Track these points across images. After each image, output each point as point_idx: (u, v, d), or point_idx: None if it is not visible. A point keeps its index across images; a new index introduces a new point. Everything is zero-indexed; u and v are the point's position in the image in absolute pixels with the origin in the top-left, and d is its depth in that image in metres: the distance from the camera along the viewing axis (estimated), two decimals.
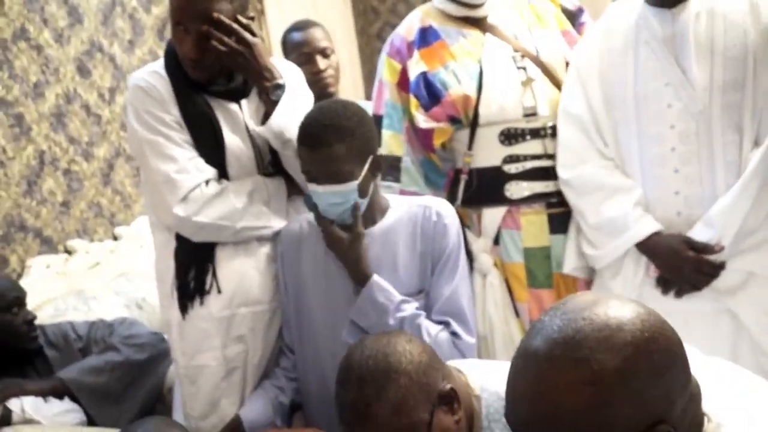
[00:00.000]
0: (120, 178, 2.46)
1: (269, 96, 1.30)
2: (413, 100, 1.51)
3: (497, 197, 1.51)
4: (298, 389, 1.37)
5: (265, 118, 1.31)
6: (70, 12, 2.29)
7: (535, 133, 1.50)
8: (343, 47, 3.78)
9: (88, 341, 1.71)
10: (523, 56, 1.52)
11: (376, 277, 1.24)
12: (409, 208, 1.30)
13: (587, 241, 1.46)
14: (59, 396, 1.55)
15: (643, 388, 0.59)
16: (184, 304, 1.33)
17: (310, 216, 1.34)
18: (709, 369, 0.75)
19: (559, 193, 1.51)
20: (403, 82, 1.54)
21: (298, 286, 1.33)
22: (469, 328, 1.27)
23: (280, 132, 1.30)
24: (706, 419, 0.66)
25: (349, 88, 3.58)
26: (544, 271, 1.52)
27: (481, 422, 0.97)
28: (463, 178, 1.53)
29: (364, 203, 1.25)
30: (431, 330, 1.23)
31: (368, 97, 1.89)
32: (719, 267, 1.34)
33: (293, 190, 1.42)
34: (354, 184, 1.21)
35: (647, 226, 1.38)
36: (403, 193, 1.52)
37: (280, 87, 1.30)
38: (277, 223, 1.37)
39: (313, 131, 1.19)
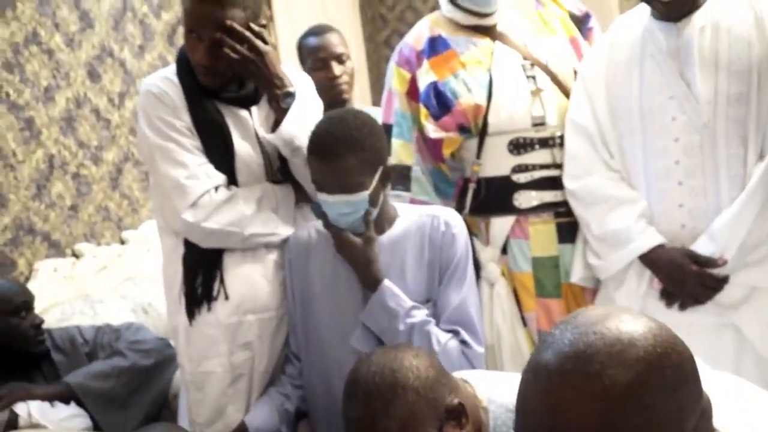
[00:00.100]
0: (128, 183, 2.47)
1: (279, 104, 1.30)
2: (423, 110, 1.51)
3: (506, 206, 1.51)
4: (304, 397, 1.37)
5: (275, 125, 1.31)
6: (81, 17, 2.30)
7: (544, 143, 1.50)
8: (351, 54, 3.77)
9: (95, 346, 1.71)
10: (532, 65, 1.52)
11: (387, 282, 1.24)
12: (417, 218, 1.30)
13: (592, 251, 1.47)
14: (66, 401, 1.56)
15: (654, 403, 0.58)
16: (192, 310, 1.33)
17: (319, 223, 1.34)
18: (715, 384, 0.75)
19: (567, 203, 1.51)
20: (412, 92, 1.55)
21: (305, 294, 1.33)
22: (477, 337, 1.27)
23: (290, 139, 1.30)
24: None
25: (356, 95, 3.59)
26: (552, 281, 1.51)
27: None
28: (472, 187, 1.53)
29: (374, 212, 1.25)
30: (441, 338, 1.23)
31: (375, 103, 1.90)
32: (722, 281, 1.34)
33: (301, 197, 1.42)
34: (365, 195, 1.21)
35: (650, 239, 1.38)
36: (413, 201, 1.52)
37: (291, 95, 1.30)
38: (285, 230, 1.37)
39: (323, 142, 1.19)
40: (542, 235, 1.51)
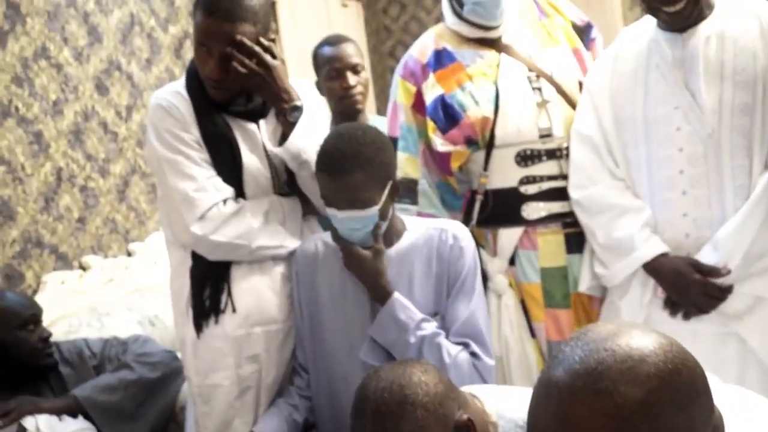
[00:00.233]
0: (135, 195, 2.48)
1: (287, 117, 1.31)
2: (430, 124, 1.51)
3: (514, 218, 1.51)
4: (312, 408, 1.36)
5: (282, 138, 1.32)
6: (89, 31, 2.33)
7: (551, 154, 1.51)
8: None
9: (102, 359, 1.71)
10: (538, 76, 1.52)
11: (397, 294, 1.24)
12: (425, 231, 1.30)
13: (598, 260, 1.47)
14: (73, 414, 1.55)
15: (666, 420, 0.58)
16: (199, 323, 1.33)
17: (326, 236, 1.35)
18: (727, 398, 0.74)
19: (575, 213, 1.51)
20: (418, 105, 1.55)
21: (313, 307, 1.33)
22: (487, 349, 1.27)
23: (297, 153, 1.31)
24: None
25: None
26: (561, 291, 1.51)
27: None
28: (479, 198, 1.53)
29: (384, 225, 1.25)
30: (451, 350, 1.23)
31: (379, 113, 1.91)
32: (726, 290, 1.34)
33: (307, 209, 1.42)
34: (374, 210, 1.21)
35: (654, 248, 1.38)
36: (420, 215, 1.52)
37: (298, 109, 1.31)
38: (292, 243, 1.37)
39: (333, 159, 1.20)
40: (551, 245, 1.51)
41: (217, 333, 1.33)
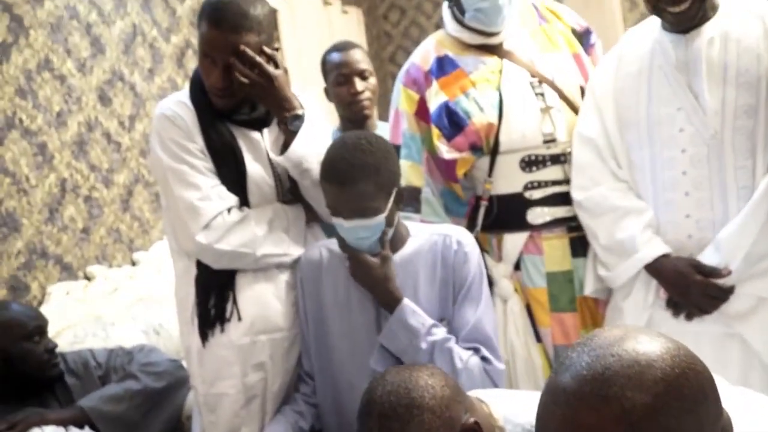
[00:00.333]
0: (139, 204, 2.49)
1: (288, 126, 1.32)
2: (435, 131, 1.51)
3: (519, 223, 1.51)
4: (318, 415, 1.36)
5: (284, 147, 1.33)
6: (92, 42, 2.34)
7: (555, 159, 1.51)
8: None
9: (108, 369, 1.71)
10: (540, 82, 1.52)
11: (407, 300, 1.24)
12: (429, 237, 1.31)
13: (600, 262, 1.47)
14: (80, 425, 1.55)
15: (674, 425, 0.58)
16: (204, 332, 1.34)
17: (330, 243, 1.35)
18: (735, 400, 0.74)
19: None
20: (421, 112, 1.55)
21: (318, 314, 1.33)
22: (497, 354, 1.27)
23: (298, 162, 1.31)
24: None
25: None
26: (567, 295, 1.51)
27: None
28: (483, 204, 1.53)
29: (390, 232, 1.25)
30: (462, 355, 1.23)
31: (380, 119, 1.91)
32: (727, 291, 1.34)
33: (311, 217, 1.43)
34: (381, 218, 1.21)
35: (655, 249, 1.38)
36: (423, 222, 1.52)
37: (299, 117, 1.32)
38: (296, 251, 1.37)
39: (339, 169, 1.20)
40: (556, 250, 1.51)
41: (223, 341, 1.33)
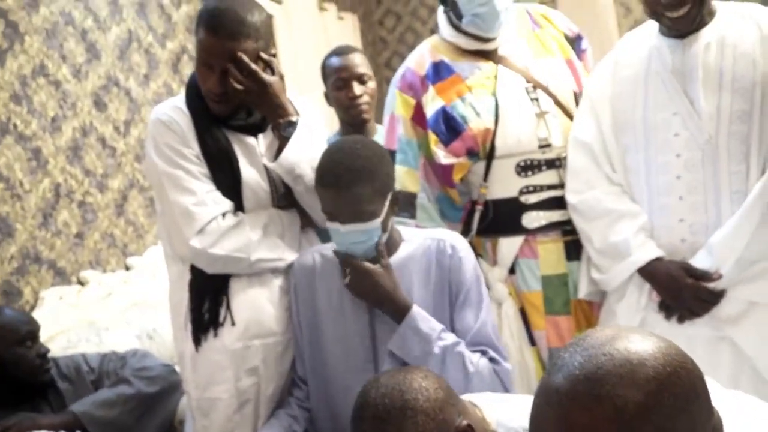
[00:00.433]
0: (133, 209, 2.48)
1: (281, 132, 1.32)
2: (432, 136, 1.51)
3: (514, 227, 1.52)
4: (312, 420, 1.36)
5: (277, 153, 1.33)
6: (88, 48, 2.35)
7: (551, 164, 1.52)
8: None
9: (101, 373, 1.71)
10: (535, 87, 1.53)
11: (416, 306, 1.24)
12: (422, 241, 1.31)
13: (594, 265, 1.48)
14: (72, 430, 1.55)
15: (666, 422, 0.58)
16: (198, 337, 1.33)
17: (323, 248, 1.35)
18: (728, 402, 0.74)
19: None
20: (417, 117, 1.55)
21: (311, 319, 1.33)
22: (503, 354, 1.27)
23: (290, 168, 1.31)
24: None
25: None
26: (562, 298, 1.52)
27: None
28: (479, 209, 1.54)
29: (384, 237, 1.26)
30: (473, 358, 1.23)
31: (378, 123, 1.91)
32: (718, 295, 1.35)
33: (306, 222, 1.43)
34: (377, 222, 1.22)
35: (648, 252, 1.39)
36: (418, 227, 1.52)
37: (292, 124, 1.32)
38: (291, 256, 1.37)
39: (336, 173, 1.20)
40: (551, 253, 1.52)
41: (216, 346, 1.32)
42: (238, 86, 1.27)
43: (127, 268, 2.40)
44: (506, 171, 1.52)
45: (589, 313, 1.54)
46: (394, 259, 1.29)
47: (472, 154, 1.52)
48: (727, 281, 1.34)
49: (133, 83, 2.54)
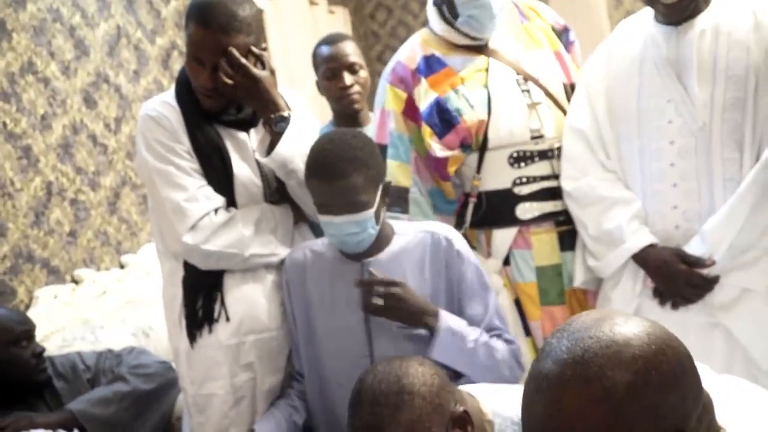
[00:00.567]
0: (126, 207, 2.47)
1: (272, 128, 1.31)
2: (427, 129, 1.51)
3: (508, 218, 1.52)
4: (310, 412, 1.36)
5: (269, 148, 1.33)
6: (76, 45, 2.33)
7: (543, 155, 1.52)
8: None
9: (97, 372, 1.70)
10: (525, 79, 1.54)
11: (442, 310, 1.24)
12: (415, 234, 1.31)
13: (589, 252, 1.49)
14: (69, 428, 1.54)
15: (656, 400, 0.59)
16: (193, 333, 1.33)
17: (313, 245, 1.36)
18: (720, 385, 0.75)
19: (567, 212, 1.53)
20: (408, 111, 1.55)
21: (305, 314, 1.34)
22: (511, 335, 1.32)
23: (283, 163, 1.31)
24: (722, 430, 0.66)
25: None
26: (556, 289, 1.53)
27: None
28: (472, 201, 1.54)
29: (376, 229, 1.25)
30: (497, 345, 1.27)
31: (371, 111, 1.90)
32: (712, 281, 1.35)
33: (298, 217, 1.43)
34: (371, 213, 1.22)
35: (642, 239, 1.40)
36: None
37: (284, 119, 1.31)
38: (284, 251, 1.37)
39: (329, 164, 1.20)
40: (545, 244, 1.53)
41: (211, 342, 1.33)
42: (229, 81, 1.26)
43: (122, 266, 2.39)
44: (499, 162, 1.52)
45: (583, 302, 1.55)
46: (387, 253, 1.29)
47: (465, 146, 1.52)
48: (721, 268, 1.34)
49: (123, 80, 2.52)
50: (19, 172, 2.06)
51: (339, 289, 1.29)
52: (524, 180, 1.51)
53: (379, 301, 1.21)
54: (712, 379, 0.77)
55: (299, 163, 1.29)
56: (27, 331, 1.62)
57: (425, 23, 1.64)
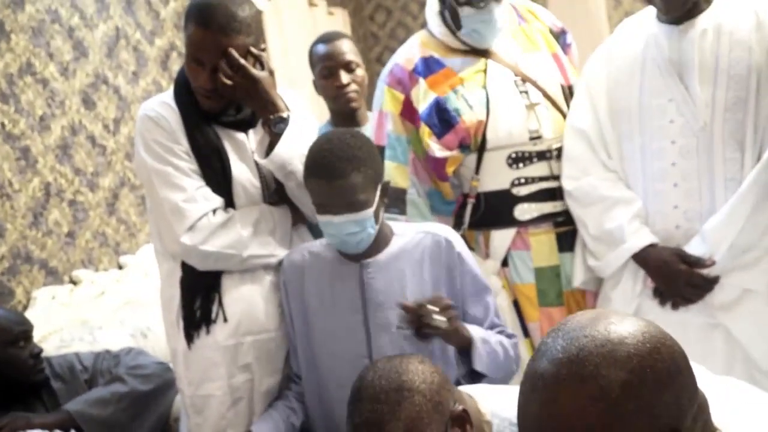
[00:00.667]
0: (125, 208, 2.47)
1: (271, 129, 1.31)
2: (426, 129, 1.51)
3: (506, 219, 1.53)
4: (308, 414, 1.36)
5: (268, 150, 1.32)
6: (75, 46, 2.33)
7: (542, 156, 1.53)
8: None
9: (94, 372, 1.70)
10: (523, 80, 1.54)
11: (467, 324, 1.26)
12: (414, 235, 1.31)
13: (590, 252, 1.49)
14: (66, 429, 1.54)
15: (651, 399, 0.59)
16: (190, 334, 1.33)
17: (311, 246, 1.35)
18: (718, 387, 0.75)
19: (565, 213, 1.53)
20: (406, 112, 1.55)
21: (303, 316, 1.33)
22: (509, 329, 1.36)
23: (282, 164, 1.31)
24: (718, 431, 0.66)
25: None
26: (554, 290, 1.53)
27: None
28: (470, 202, 1.54)
29: (375, 229, 1.25)
30: (505, 342, 1.29)
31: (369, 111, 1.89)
32: (712, 281, 1.36)
33: (297, 218, 1.42)
34: (370, 212, 1.22)
35: (642, 239, 1.41)
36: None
37: (283, 120, 1.31)
38: (282, 252, 1.37)
39: (328, 163, 1.20)
40: (543, 245, 1.53)
41: (209, 343, 1.32)
42: (228, 82, 1.26)
43: (120, 267, 2.39)
44: (497, 163, 1.52)
45: (582, 304, 1.55)
46: (386, 253, 1.29)
47: (463, 146, 1.52)
48: (721, 268, 1.35)
49: (122, 81, 2.52)
50: (18, 173, 2.06)
51: (338, 289, 1.29)
52: (523, 181, 1.52)
53: (444, 324, 1.19)
54: (710, 381, 0.77)
55: (298, 164, 1.29)
56: (25, 331, 1.62)
57: (424, 25, 1.64)
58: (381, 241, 1.29)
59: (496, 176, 1.52)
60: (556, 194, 1.52)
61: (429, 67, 1.55)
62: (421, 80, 1.53)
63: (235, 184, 1.34)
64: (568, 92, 1.59)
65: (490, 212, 1.53)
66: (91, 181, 2.34)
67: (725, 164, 1.35)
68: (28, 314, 1.88)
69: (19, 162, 2.07)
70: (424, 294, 1.27)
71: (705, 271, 1.35)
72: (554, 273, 1.53)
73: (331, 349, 1.30)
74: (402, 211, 1.53)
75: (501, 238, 1.53)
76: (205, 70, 1.26)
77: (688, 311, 1.39)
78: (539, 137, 1.52)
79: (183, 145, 1.31)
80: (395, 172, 1.53)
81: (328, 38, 1.81)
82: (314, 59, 1.82)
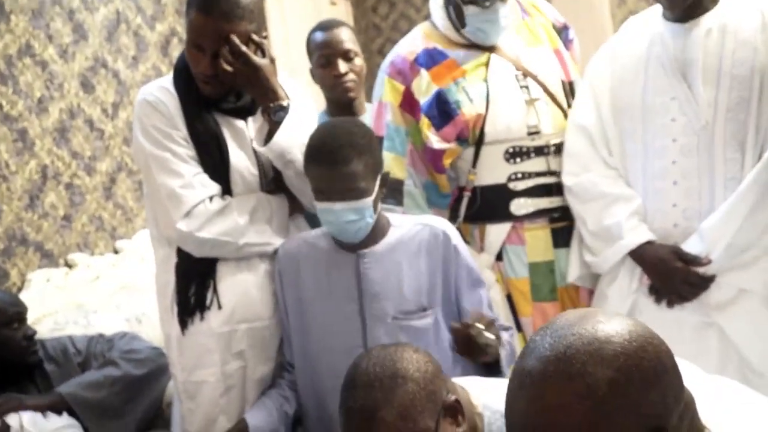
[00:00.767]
0: (122, 192, 2.47)
1: (271, 117, 1.31)
2: (425, 121, 1.51)
3: (502, 214, 1.53)
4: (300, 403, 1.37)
5: (267, 138, 1.32)
6: (75, 29, 2.31)
7: (539, 151, 1.53)
8: None
9: (88, 356, 1.70)
10: (525, 75, 1.54)
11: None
12: (411, 227, 1.31)
13: (587, 247, 1.49)
14: (58, 411, 1.55)
15: (637, 397, 0.59)
16: (184, 320, 1.33)
17: (307, 236, 1.36)
18: (708, 386, 0.76)
19: (561, 209, 1.54)
20: (406, 103, 1.54)
21: (298, 305, 1.33)
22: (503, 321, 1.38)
23: (281, 152, 1.31)
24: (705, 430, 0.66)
25: None
26: (548, 285, 1.54)
27: None
28: (467, 195, 1.54)
29: (374, 218, 1.25)
30: (505, 335, 1.31)
31: (368, 101, 1.88)
32: (708, 280, 1.36)
33: (294, 207, 1.42)
34: (369, 201, 1.22)
35: (639, 236, 1.41)
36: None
37: (283, 108, 1.31)
38: (279, 241, 1.37)
39: (330, 149, 1.20)
40: (538, 240, 1.53)
41: (203, 330, 1.33)
42: (229, 68, 1.26)
43: (116, 252, 2.38)
44: (495, 157, 1.52)
45: (576, 299, 1.56)
46: (384, 244, 1.29)
47: (461, 139, 1.52)
48: (717, 267, 1.35)
49: (122, 65, 2.51)
50: (15, 155, 2.05)
51: (334, 279, 1.29)
52: (519, 176, 1.52)
53: (493, 341, 1.20)
54: (701, 380, 0.77)
55: (297, 153, 1.29)
56: (18, 313, 1.62)
57: (427, 17, 1.63)
58: (378, 231, 1.29)
59: (493, 170, 1.52)
60: (552, 190, 1.52)
61: (432, 58, 1.54)
62: (424, 72, 1.53)
63: (232, 172, 1.34)
64: (569, 88, 1.59)
65: (485, 206, 1.53)
66: (89, 165, 2.33)
67: (726, 164, 1.35)
68: (23, 296, 1.87)
69: (16, 144, 2.06)
70: (421, 283, 1.27)
71: (701, 270, 1.35)
72: (548, 268, 1.53)
73: (325, 339, 1.30)
74: (399, 202, 1.53)
75: (496, 233, 1.53)
76: (205, 56, 1.26)
77: (684, 309, 1.40)
78: (537, 132, 1.52)
79: (181, 131, 1.31)
80: (393, 163, 1.53)
81: (326, 26, 1.77)
82: (311, 47, 1.78)
